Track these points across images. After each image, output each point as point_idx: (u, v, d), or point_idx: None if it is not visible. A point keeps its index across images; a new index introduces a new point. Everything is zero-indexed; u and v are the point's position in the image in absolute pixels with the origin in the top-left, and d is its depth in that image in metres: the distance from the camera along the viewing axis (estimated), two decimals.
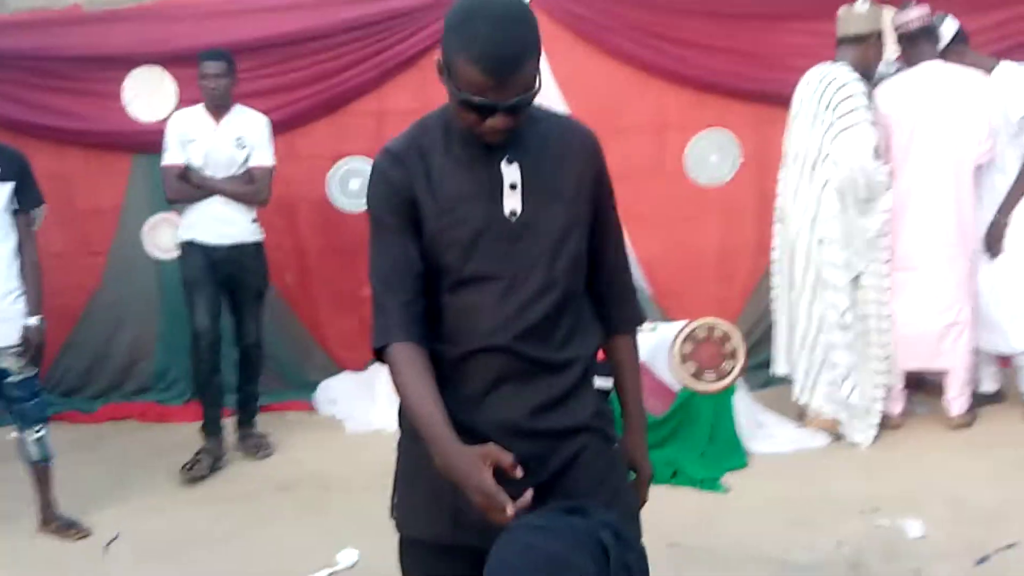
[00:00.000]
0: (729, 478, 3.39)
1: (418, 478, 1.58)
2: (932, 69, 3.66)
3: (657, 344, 3.71)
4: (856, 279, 3.61)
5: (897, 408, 3.79)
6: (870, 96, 3.56)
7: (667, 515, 2.47)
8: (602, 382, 1.64)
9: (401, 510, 1.64)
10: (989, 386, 3.97)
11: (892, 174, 3.58)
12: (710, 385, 3.61)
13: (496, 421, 1.50)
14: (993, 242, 3.71)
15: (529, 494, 1.37)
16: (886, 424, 3.72)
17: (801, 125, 3.66)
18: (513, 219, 1.51)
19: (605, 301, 1.67)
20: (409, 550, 1.66)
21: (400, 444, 1.65)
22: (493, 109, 1.39)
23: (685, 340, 3.63)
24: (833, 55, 3.63)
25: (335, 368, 4.61)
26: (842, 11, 3.64)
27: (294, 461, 3.80)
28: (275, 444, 3.93)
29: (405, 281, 1.51)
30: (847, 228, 3.57)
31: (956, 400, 3.75)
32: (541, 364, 1.52)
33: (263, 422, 4.03)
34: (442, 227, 1.49)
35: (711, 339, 3.64)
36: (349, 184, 4.52)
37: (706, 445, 3.57)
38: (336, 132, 4.52)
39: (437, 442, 1.42)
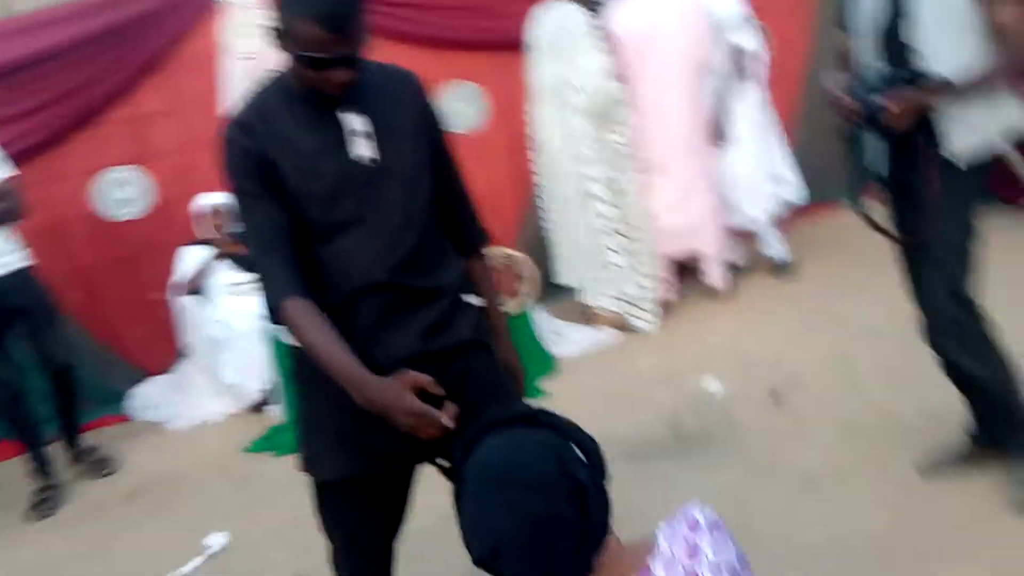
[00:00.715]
0: (543, 383, 3.78)
1: (324, 423, 1.68)
2: None
3: None
4: (616, 189, 4.07)
5: (671, 292, 4.33)
6: (598, 22, 3.97)
7: None
8: (473, 299, 1.77)
9: (312, 458, 1.72)
10: (739, 258, 4.59)
11: (630, 90, 4.03)
12: (508, 308, 3.95)
13: (391, 353, 1.60)
14: (718, 134, 4.26)
15: (453, 406, 1.49)
16: (664, 309, 4.24)
17: (541, 61, 4.04)
18: (366, 164, 1.61)
19: (455, 228, 1.80)
20: (325, 494, 1.75)
21: (301, 397, 1.74)
22: (335, 62, 1.50)
23: None
24: None
25: (140, 375, 4.52)
26: None
27: (131, 470, 3.75)
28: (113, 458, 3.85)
29: (279, 241, 1.59)
30: (600, 146, 4.00)
31: (717, 276, 4.34)
32: (419, 293, 1.63)
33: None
34: (302, 184, 1.57)
35: (501, 266, 3.98)
36: (114, 193, 4.40)
37: None
38: (94, 145, 4.33)
39: (354, 381, 1.50)
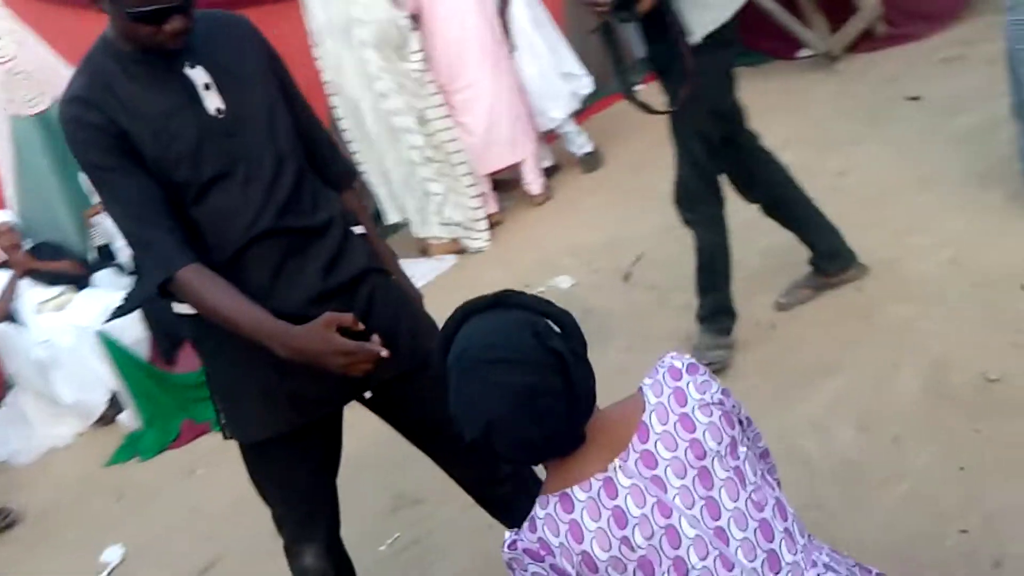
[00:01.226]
0: None
1: (246, 384, 1.63)
2: None
3: None
4: (421, 117, 4.07)
5: (494, 208, 4.44)
6: None
7: None
8: (359, 229, 1.75)
9: (240, 422, 1.67)
10: (549, 160, 4.75)
11: (417, 16, 3.99)
12: None
13: (295, 298, 1.57)
14: (508, 41, 4.30)
15: (376, 336, 1.49)
16: (493, 224, 4.33)
17: (316, 3, 3.95)
18: (221, 116, 1.55)
19: (320, 164, 1.75)
20: (259, 455, 1.70)
21: (213, 364, 1.68)
22: (169, 11, 1.43)
23: None
24: None
25: None
26: None
27: None
28: None
29: (154, 211, 1.51)
30: (395, 76, 3.99)
31: (535, 182, 4.48)
32: (308, 231, 1.60)
33: None
34: (160, 148, 1.50)
35: None
36: None
37: None
38: None
39: (275, 335, 1.47)
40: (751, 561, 1.13)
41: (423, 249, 4.40)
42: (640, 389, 1.22)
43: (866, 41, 4.43)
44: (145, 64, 1.52)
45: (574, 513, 1.15)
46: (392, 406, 1.75)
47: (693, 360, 1.23)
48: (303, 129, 1.70)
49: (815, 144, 3.67)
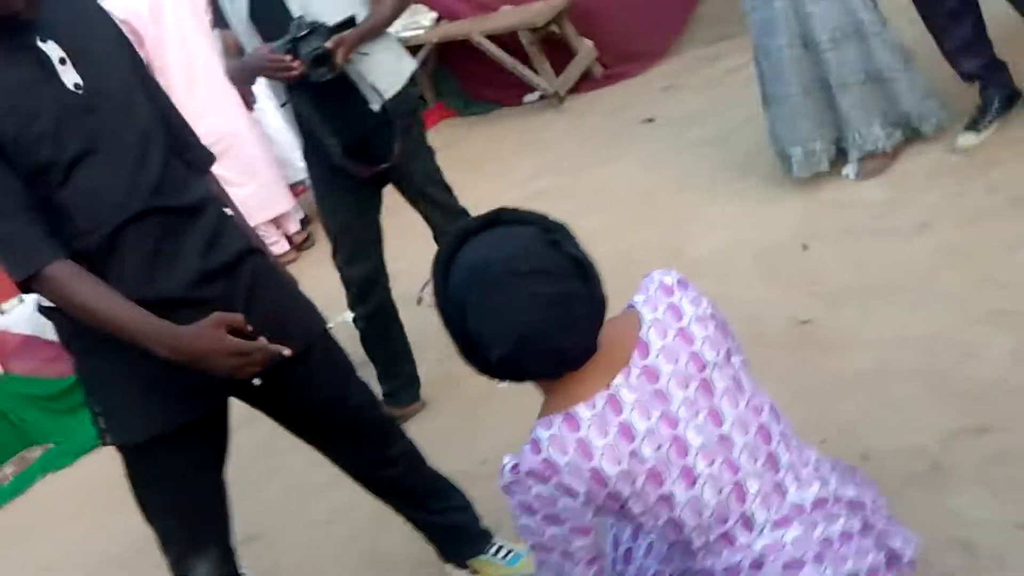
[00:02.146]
0: None
1: (128, 381, 1.52)
2: None
3: None
4: None
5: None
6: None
7: None
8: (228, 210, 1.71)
9: (122, 422, 1.56)
10: (300, 212, 4.70)
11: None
12: None
13: (176, 280, 1.52)
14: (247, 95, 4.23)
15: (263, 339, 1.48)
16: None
17: None
18: (80, 91, 1.48)
19: (180, 148, 1.68)
20: (140, 460, 1.61)
21: (88, 363, 1.57)
22: None
23: None
24: None
25: None
26: None
27: None
28: None
29: (15, 203, 1.42)
30: None
31: (295, 230, 4.41)
32: (182, 211, 1.55)
33: None
34: (18, 128, 1.41)
35: None
36: None
37: None
38: None
39: (156, 334, 1.42)
40: (754, 464, 1.21)
41: None
42: (631, 306, 1.25)
43: (585, 82, 4.94)
44: None
45: (580, 431, 1.15)
46: (278, 393, 1.68)
47: (681, 276, 1.28)
48: (161, 112, 1.66)
49: (567, 170, 4.00)
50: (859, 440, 1.94)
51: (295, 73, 2.27)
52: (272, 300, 1.67)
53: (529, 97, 5.10)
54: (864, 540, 1.22)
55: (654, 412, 1.18)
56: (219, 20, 2.52)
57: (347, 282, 2.70)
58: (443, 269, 1.18)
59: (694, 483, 1.18)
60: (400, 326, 2.79)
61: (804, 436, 1.91)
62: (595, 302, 1.16)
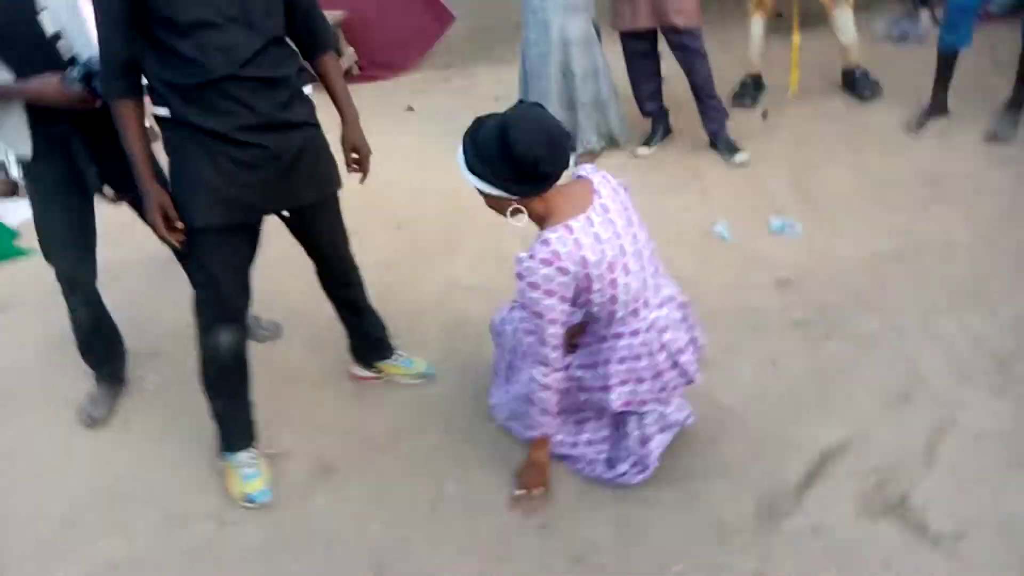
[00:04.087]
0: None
1: (202, 181, 2.14)
2: None
3: None
4: None
5: None
6: None
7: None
8: (308, 89, 2.27)
9: (194, 209, 2.17)
10: None
11: None
12: None
13: (254, 118, 2.10)
14: None
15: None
16: None
17: None
18: None
19: (306, 31, 2.27)
20: (204, 239, 2.21)
21: (175, 162, 2.19)
22: None
23: None
24: None
25: None
26: None
27: None
28: None
29: (123, 39, 2.02)
30: None
31: None
32: (268, 80, 2.11)
33: None
34: None
35: None
36: None
37: None
38: None
39: (141, 177, 2.15)
40: (650, 270, 2.23)
41: None
42: (578, 177, 2.20)
43: (346, 77, 5.94)
44: None
45: (574, 234, 1.98)
46: (302, 224, 2.47)
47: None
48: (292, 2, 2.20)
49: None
50: None
51: (96, 106, 2.38)
52: (310, 160, 2.28)
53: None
54: (684, 323, 2.36)
55: (609, 229, 2.09)
56: None
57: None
58: (473, 133, 1.97)
59: (628, 274, 2.13)
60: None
61: None
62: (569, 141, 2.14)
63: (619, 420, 2.40)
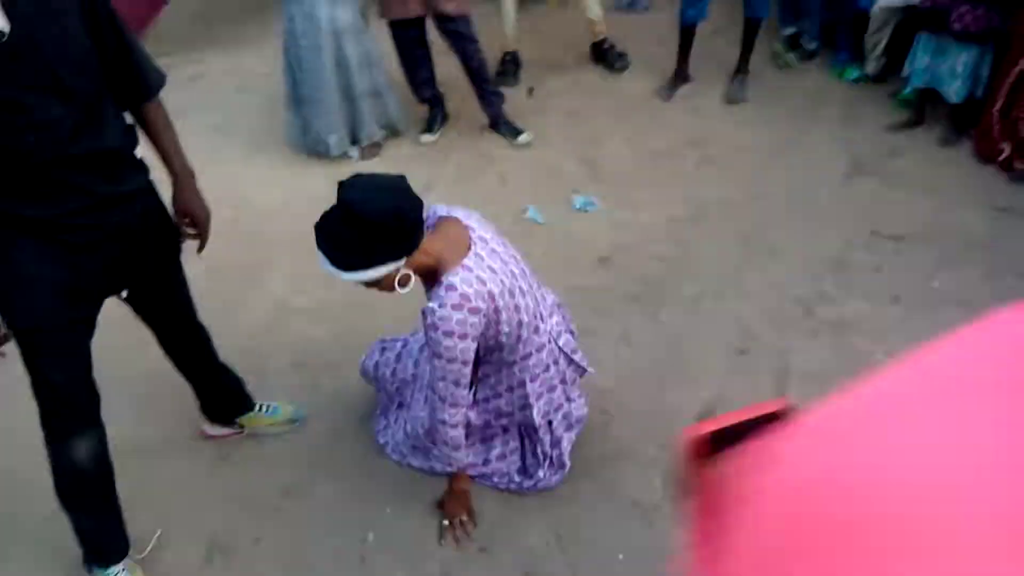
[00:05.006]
0: None
1: (22, 275, 1.83)
2: None
3: None
4: None
5: None
6: None
7: None
8: (138, 153, 1.98)
9: (21, 309, 1.86)
10: None
11: None
12: None
13: (86, 199, 1.83)
14: None
15: None
16: None
17: None
18: (3, 39, 1.56)
19: (126, 77, 1.89)
20: (37, 343, 1.90)
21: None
22: None
23: None
24: None
25: None
26: None
27: None
28: None
29: None
30: None
31: None
32: (97, 154, 1.81)
33: None
34: None
35: None
36: None
37: None
38: None
39: None
40: (535, 288, 2.29)
41: None
42: (440, 218, 2.13)
43: None
44: None
45: (474, 272, 1.97)
46: (144, 299, 2.21)
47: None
48: (109, 47, 1.81)
49: None
50: None
51: None
52: (148, 232, 2.04)
53: None
54: (564, 321, 2.47)
55: (496, 258, 2.11)
56: None
57: None
58: (324, 237, 1.90)
59: (524, 296, 2.18)
60: None
61: None
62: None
63: (525, 431, 2.48)
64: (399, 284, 1.97)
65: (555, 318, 2.36)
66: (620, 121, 4.40)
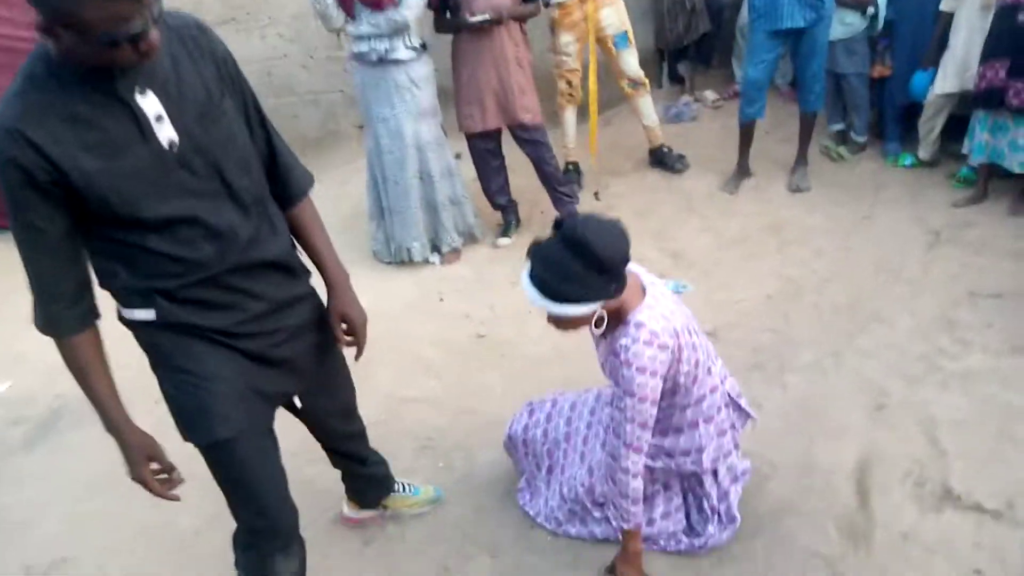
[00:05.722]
0: None
1: (207, 384, 1.70)
2: None
3: None
4: None
5: None
6: None
7: None
8: (300, 254, 1.90)
9: (199, 424, 1.73)
10: None
11: None
12: None
13: (263, 305, 1.74)
14: None
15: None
16: None
17: None
18: (174, 149, 1.49)
19: (278, 176, 1.81)
20: (224, 455, 1.77)
21: (167, 370, 1.71)
22: (142, 32, 1.33)
23: None
24: None
25: None
26: None
27: None
28: None
29: (64, 275, 1.53)
30: None
31: None
32: (271, 263, 1.74)
33: None
34: (110, 184, 1.44)
35: None
36: None
37: None
38: None
39: (115, 422, 1.66)
40: (703, 334, 2.32)
41: None
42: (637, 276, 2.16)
43: None
44: (93, 93, 1.41)
45: (656, 311, 2.00)
46: (312, 401, 2.07)
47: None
48: (262, 143, 1.76)
49: None
50: None
51: None
52: (310, 340, 1.91)
53: None
54: (725, 368, 2.39)
55: (668, 299, 2.13)
56: None
57: None
58: (542, 266, 1.92)
59: (698, 335, 2.17)
60: None
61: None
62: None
63: (688, 485, 2.39)
64: (595, 324, 1.97)
65: (720, 362, 2.33)
66: (690, 214, 4.51)
